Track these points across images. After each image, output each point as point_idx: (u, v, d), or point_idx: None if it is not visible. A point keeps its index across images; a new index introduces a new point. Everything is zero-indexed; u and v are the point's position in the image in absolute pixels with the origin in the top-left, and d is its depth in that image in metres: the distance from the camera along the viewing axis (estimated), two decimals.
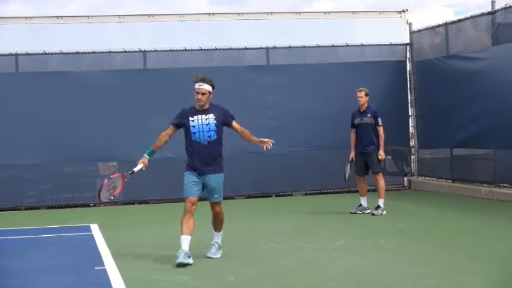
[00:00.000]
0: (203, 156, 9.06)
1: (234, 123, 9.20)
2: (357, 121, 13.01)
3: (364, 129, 12.86)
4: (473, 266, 8.47)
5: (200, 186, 9.17)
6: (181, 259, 8.76)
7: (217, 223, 9.49)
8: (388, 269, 8.49)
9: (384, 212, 12.92)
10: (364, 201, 13.16)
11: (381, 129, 12.82)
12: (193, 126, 9.13)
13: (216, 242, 9.47)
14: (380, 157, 12.84)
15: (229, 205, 13.81)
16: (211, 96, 9.09)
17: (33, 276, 8.62)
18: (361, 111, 12.98)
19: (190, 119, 9.14)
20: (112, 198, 9.68)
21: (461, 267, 8.41)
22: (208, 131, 9.04)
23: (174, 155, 16.01)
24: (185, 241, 9.00)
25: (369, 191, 13.29)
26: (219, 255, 9.39)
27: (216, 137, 9.04)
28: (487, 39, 14.87)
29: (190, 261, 8.88)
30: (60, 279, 8.41)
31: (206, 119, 9.06)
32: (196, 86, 9.13)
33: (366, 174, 13.16)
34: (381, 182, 13.00)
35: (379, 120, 12.79)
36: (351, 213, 13.06)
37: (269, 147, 9.17)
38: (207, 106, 9.13)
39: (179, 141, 16.26)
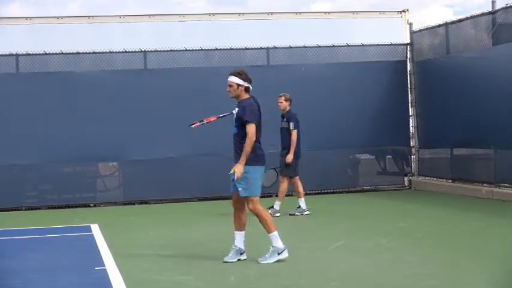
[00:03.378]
0: (234, 147, 8.93)
1: (246, 126, 8.79)
2: (281, 125, 13.27)
3: (283, 133, 13.17)
4: (474, 266, 8.46)
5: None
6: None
7: (261, 223, 8.90)
8: (389, 269, 8.48)
9: (306, 213, 13.10)
10: (302, 203, 13.27)
11: (293, 133, 12.98)
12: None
13: (271, 246, 8.85)
14: (286, 160, 12.97)
15: (228, 205, 13.82)
16: (240, 88, 8.89)
17: (34, 277, 8.61)
18: (282, 115, 13.24)
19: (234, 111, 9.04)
20: (203, 122, 9.80)
21: (462, 267, 8.40)
22: (234, 124, 8.93)
23: (175, 155, 16.07)
24: (236, 237, 8.98)
25: (363, 191, 13.28)
26: (270, 261, 8.78)
27: (236, 131, 8.89)
28: (487, 39, 14.86)
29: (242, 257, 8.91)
30: (61, 280, 8.40)
31: (235, 112, 8.96)
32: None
33: (290, 176, 13.26)
34: (282, 185, 13.15)
35: (291, 124, 12.98)
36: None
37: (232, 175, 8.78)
38: (240, 99, 8.94)
39: (179, 141, 16.35)
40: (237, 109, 8.94)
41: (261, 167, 8.88)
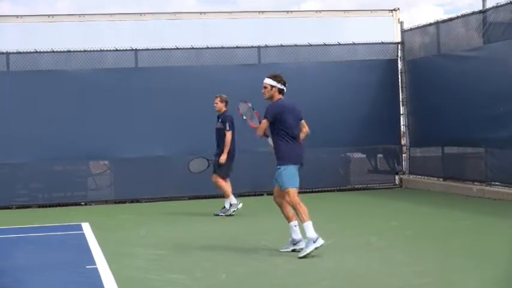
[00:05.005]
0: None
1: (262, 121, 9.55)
2: (216, 126, 13.41)
3: (218, 133, 13.31)
4: (464, 264, 8.49)
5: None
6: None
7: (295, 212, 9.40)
8: (380, 267, 8.50)
9: (239, 206, 13.19)
10: (227, 203, 13.34)
11: (227, 134, 13.09)
12: None
13: (306, 237, 9.14)
14: (220, 161, 13.10)
15: (221, 203, 13.85)
16: (274, 90, 9.45)
17: (24, 276, 8.59)
18: (218, 116, 13.38)
19: None
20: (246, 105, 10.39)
21: (453, 266, 8.42)
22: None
23: (166, 154, 16.05)
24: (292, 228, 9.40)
25: (354, 190, 13.28)
26: (307, 251, 9.03)
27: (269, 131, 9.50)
28: (478, 38, 14.90)
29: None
30: (51, 279, 8.38)
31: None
32: None
33: (221, 176, 13.34)
34: (219, 183, 13.25)
35: (227, 125, 13.09)
36: (214, 215, 13.26)
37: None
38: (273, 100, 9.50)
39: (170, 140, 16.32)
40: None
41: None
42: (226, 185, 13.29)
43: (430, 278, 7.81)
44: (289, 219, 9.45)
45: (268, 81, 9.49)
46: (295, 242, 9.38)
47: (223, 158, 13.05)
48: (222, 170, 13.21)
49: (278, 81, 9.45)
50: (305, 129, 9.70)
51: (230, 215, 13.13)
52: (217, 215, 13.22)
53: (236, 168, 13.73)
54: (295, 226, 9.42)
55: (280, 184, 9.32)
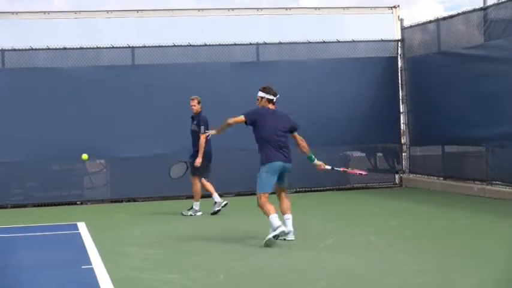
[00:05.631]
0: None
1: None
2: (191, 127, 13.48)
3: (193, 135, 13.38)
4: (465, 263, 8.49)
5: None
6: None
7: None
8: (379, 266, 8.50)
9: (198, 213, 13.27)
10: (196, 205, 13.45)
11: (201, 137, 13.13)
12: None
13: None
14: (195, 164, 13.16)
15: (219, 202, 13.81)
16: (263, 100, 10.45)
17: (19, 276, 8.58)
18: (192, 117, 13.47)
19: None
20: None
21: (453, 265, 8.43)
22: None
23: (163, 152, 16.03)
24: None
25: (353, 189, 13.27)
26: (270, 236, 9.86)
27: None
28: (479, 35, 14.90)
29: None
30: (47, 278, 8.38)
31: None
32: None
33: (199, 177, 13.44)
34: (195, 186, 13.35)
35: (202, 128, 13.16)
36: (182, 214, 13.36)
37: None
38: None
39: (167, 138, 16.31)
40: None
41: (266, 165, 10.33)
42: (209, 186, 13.36)
43: (429, 277, 7.82)
44: (282, 212, 10.41)
45: (259, 93, 10.50)
46: (274, 228, 9.97)
47: (198, 162, 13.13)
48: (197, 172, 13.30)
49: (267, 93, 10.44)
50: (301, 143, 10.83)
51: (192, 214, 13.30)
52: (186, 215, 13.34)
53: (232, 167, 13.73)
54: (287, 219, 10.33)
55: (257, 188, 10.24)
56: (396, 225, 11.68)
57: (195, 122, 13.36)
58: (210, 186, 13.39)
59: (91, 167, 16.48)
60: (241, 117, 10.30)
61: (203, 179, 13.40)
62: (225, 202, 13.37)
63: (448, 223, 11.70)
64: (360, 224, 11.86)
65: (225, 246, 10.06)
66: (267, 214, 10.03)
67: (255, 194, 10.67)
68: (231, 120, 10.39)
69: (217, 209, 13.30)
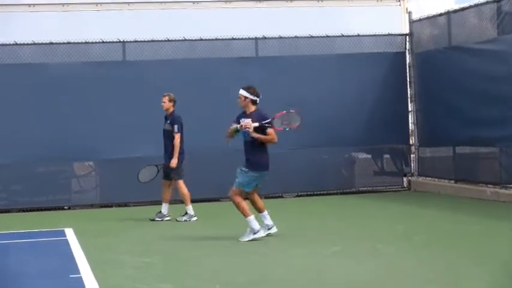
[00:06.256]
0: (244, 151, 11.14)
1: (268, 131, 10.93)
2: (164, 127, 13.53)
3: (166, 135, 13.44)
4: (476, 271, 8.49)
5: None
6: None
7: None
8: (388, 275, 8.50)
9: (194, 219, 13.33)
10: (164, 208, 13.51)
11: (176, 137, 13.24)
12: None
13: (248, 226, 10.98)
14: (170, 165, 13.22)
15: (216, 207, 13.85)
16: (247, 100, 10.97)
17: (3, 285, 8.58)
18: (165, 117, 13.52)
19: (240, 120, 11.02)
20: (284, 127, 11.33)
21: (464, 273, 8.44)
22: (246, 133, 10.94)
23: (155, 154, 16.00)
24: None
25: (358, 192, 13.25)
26: (246, 239, 10.82)
27: (249, 138, 10.92)
28: (492, 29, 14.90)
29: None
30: None
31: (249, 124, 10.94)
32: None
33: (168, 179, 13.49)
34: (181, 189, 13.39)
35: (176, 127, 13.25)
36: (150, 220, 13.41)
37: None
38: (250, 111, 11.00)
39: (159, 139, 16.27)
40: (245, 120, 10.91)
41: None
42: (170, 190, 13.45)
43: (438, 286, 7.84)
44: (260, 210, 11.15)
45: (242, 92, 11.05)
46: (269, 227, 11.07)
47: (173, 163, 13.18)
48: (177, 173, 13.35)
49: (251, 93, 11.00)
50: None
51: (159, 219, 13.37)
52: (153, 220, 13.39)
53: (230, 170, 13.69)
54: (267, 214, 11.13)
55: (237, 180, 10.94)
56: (404, 231, 11.69)
57: (168, 122, 13.40)
58: (185, 190, 13.39)
59: (79, 169, 16.48)
60: (273, 131, 10.95)
61: (180, 182, 13.41)
62: (167, 218, 13.40)
63: (459, 229, 11.71)
64: (366, 230, 11.86)
65: (222, 254, 10.07)
66: (245, 214, 10.88)
67: (248, 199, 10.88)
68: (276, 139, 11.03)
69: (160, 219, 13.35)
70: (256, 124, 10.80)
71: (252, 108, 10.99)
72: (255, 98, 10.99)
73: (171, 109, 13.41)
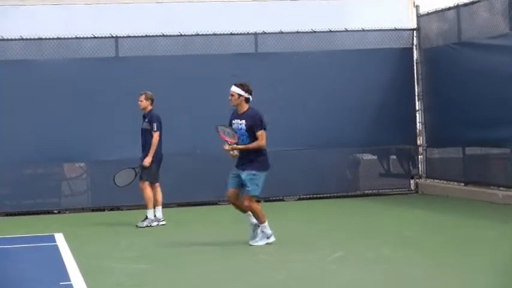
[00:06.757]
0: (240, 155, 10.90)
1: (258, 133, 10.80)
2: (142, 126, 13.58)
3: (144, 134, 13.49)
4: (487, 279, 8.49)
5: (238, 179, 10.93)
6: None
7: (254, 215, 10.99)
8: (393, 283, 8.50)
9: (155, 224, 13.29)
10: (158, 212, 13.46)
11: (154, 135, 13.29)
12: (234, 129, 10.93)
13: (261, 231, 10.97)
14: (144, 164, 13.25)
15: (215, 211, 13.82)
16: (241, 98, 10.80)
17: None
18: (144, 116, 13.56)
19: (233, 121, 10.96)
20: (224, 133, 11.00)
21: (474, 281, 8.42)
22: (241, 135, 10.82)
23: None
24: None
25: (364, 195, 13.24)
26: (261, 243, 10.82)
27: (248, 141, 10.80)
28: (504, 23, 14.89)
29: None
30: None
31: (240, 124, 10.87)
32: None
33: (151, 182, 13.48)
34: (145, 191, 13.38)
35: (154, 125, 13.30)
36: (137, 226, 13.33)
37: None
38: (242, 110, 10.85)
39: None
40: (240, 121, 10.82)
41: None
42: (157, 193, 13.39)
43: None
44: (246, 210, 11.00)
45: (235, 89, 10.87)
46: (268, 236, 10.92)
47: (147, 161, 13.21)
48: (150, 175, 13.35)
49: (245, 91, 10.84)
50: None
51: (147, 226, 13.25)
52: (143, 226, 13.31)
53: (227, 169, 13.70)
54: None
55: (249, 189, 10.78)
56: (412, 237, 11.69)
57: (146, 120, 13.44)
58: (159, 196, 13.39)
59: (70, 171, 16.47)
60: (264, 133, 10.81)
61: (155, 184, 13.43)
62: (162, 222, 13.36)
63: (470, 234, 11.70)
64: (371, 235, 11.86)
65: (220, 260, 10.06)
66: (262, 220, 10.87)
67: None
68: (264, 144, 10.83)
69: (146, 225, 13.28)
70: (241, 147, 10.73)
71: (245, 107, 10.88)
72: (249, 96, 10.88)
73: (149, 107, 13.47)
